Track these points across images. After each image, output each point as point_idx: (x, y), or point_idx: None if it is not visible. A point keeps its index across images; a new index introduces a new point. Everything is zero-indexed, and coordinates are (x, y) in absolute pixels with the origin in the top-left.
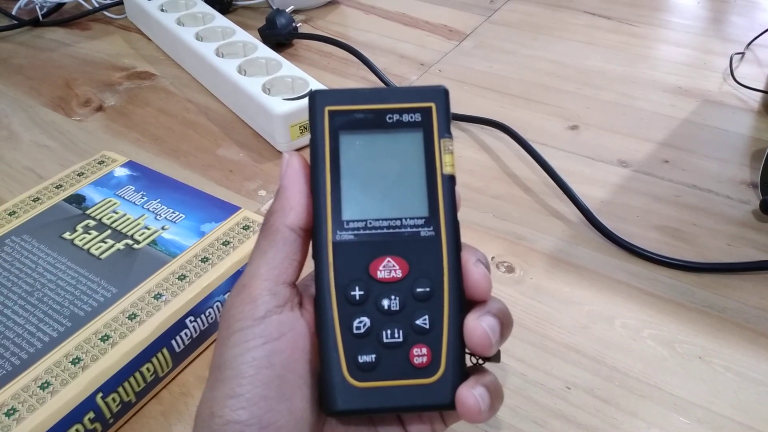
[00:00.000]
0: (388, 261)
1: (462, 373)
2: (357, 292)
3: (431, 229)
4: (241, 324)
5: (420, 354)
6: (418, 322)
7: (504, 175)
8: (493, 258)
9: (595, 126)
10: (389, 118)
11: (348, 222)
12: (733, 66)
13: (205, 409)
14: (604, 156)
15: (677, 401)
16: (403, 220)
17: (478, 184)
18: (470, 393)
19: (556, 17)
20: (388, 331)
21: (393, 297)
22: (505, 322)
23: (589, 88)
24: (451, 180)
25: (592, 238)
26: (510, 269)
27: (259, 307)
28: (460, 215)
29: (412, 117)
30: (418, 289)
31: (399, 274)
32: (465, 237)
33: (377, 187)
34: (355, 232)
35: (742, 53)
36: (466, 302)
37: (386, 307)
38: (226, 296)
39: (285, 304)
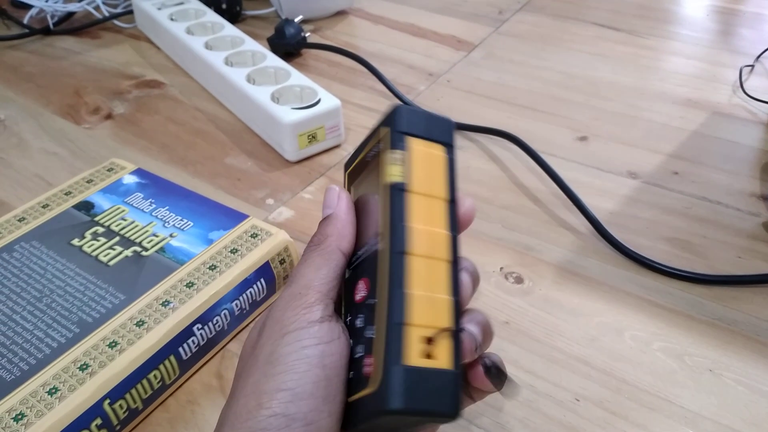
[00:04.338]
0: (360, 283)
1: (399, 377)
2: (349, 318)
3: (380, 240)
4: (296, 325)
5: (368, 364)
6: (367, 333)
7: (513, 186)
8: (501, 269)
9: (605, 137)
10: (370, 157)
11: (353, 258)
12: (743, 78)
13: (251, 401)
14: (614, 167)
15: (687, 414)
16: (369, 241)
17: (486, 195)
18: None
19: (565, 28)
20: (357, 348)
21: (360, 315)
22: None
23: (598, 100)
24: (394, 187)
25: (602, 250)
26: (519, 280)
27: (315, 312)
28: (470, 226)
29: (377, 149)
30: (369, 302)
31: (364, 293)
32: (474, 247)
33: (359, 219)
34: (353, 265)
35: (752, 66)
36: (411, 305)
37: (357, 326)
38: (233, 304)
39: (333, 316)
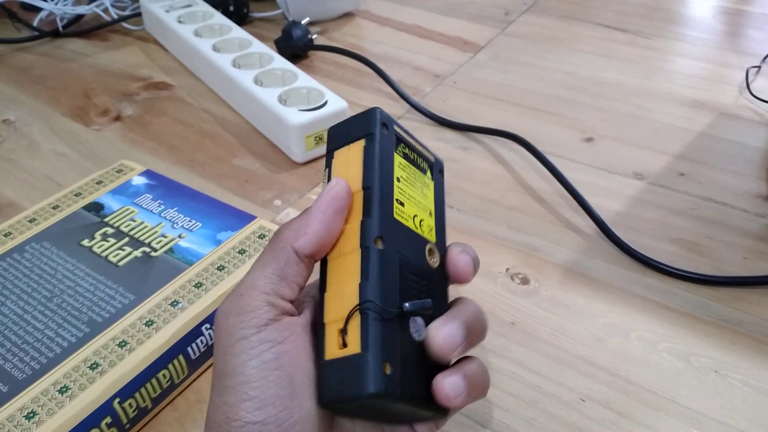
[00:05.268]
0: None
1: (322, 372)
2: None
3: None
4: (244, 332)
5: None
6: None
7: (518, 187)
8: (507, 269)
9: (611, 138)
10: None
11: None
12: (749, 79)
13: (219, 416)
14: (620, 168)
15: (693, 415)
16: None
17: (492, 196)
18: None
19: (571, 30)
20: None
21: None
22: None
23: (604, 101)
24: None
25: (608, 251)
26: (525, 281)
27: (261, 316)
28: (475, 226)
29: None
30: None
31: None
32: (480, 248)
33: None
34: None
35: (758, 67)
36: (325, 305)
37: None
38: None
39: (284, 313)
